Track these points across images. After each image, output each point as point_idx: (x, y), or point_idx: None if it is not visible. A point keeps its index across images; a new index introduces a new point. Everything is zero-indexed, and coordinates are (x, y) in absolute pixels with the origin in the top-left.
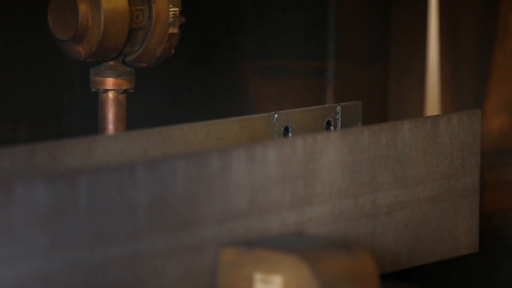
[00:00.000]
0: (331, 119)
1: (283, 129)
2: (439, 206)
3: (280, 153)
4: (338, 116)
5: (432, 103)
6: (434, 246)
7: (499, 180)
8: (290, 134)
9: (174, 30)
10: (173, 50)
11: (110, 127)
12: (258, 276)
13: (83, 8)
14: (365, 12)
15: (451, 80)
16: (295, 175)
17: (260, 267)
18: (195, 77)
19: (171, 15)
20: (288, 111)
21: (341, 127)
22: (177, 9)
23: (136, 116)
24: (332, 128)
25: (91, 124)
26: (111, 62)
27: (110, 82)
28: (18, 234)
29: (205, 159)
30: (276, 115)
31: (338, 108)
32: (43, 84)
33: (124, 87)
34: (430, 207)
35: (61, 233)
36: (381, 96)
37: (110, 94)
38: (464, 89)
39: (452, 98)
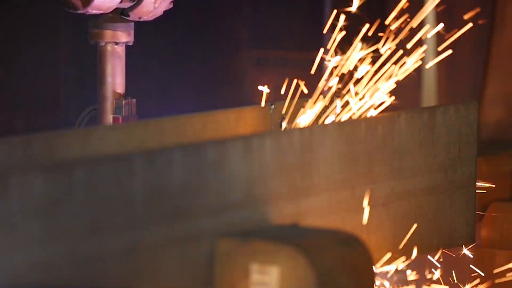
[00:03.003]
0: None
1: (280, 120)
2: (436, 197)
3: (277, 145)
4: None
5: (429, 94)
6: (431, 237)
7: (496, 171)
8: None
9: None
10: (171, 4)
11: (109, 79)
12: (254, 267)
13: None
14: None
15: (447, 71)
16: (292, 166)
17: (256, 258)
18: (193, 65)
19: None
20: (285, 102)
21: None
22: None
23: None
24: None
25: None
26: (110, 15)
27: (108, 34)
28: (14, 224)
29: (201, 150)
30: (273, 106)
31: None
32: (39, 76)
33: (123, 40)
34: (427, 198)
35: (57, 223)
36: None
37: (109, 47)
38: (461, 80)
39: (449, 89)
